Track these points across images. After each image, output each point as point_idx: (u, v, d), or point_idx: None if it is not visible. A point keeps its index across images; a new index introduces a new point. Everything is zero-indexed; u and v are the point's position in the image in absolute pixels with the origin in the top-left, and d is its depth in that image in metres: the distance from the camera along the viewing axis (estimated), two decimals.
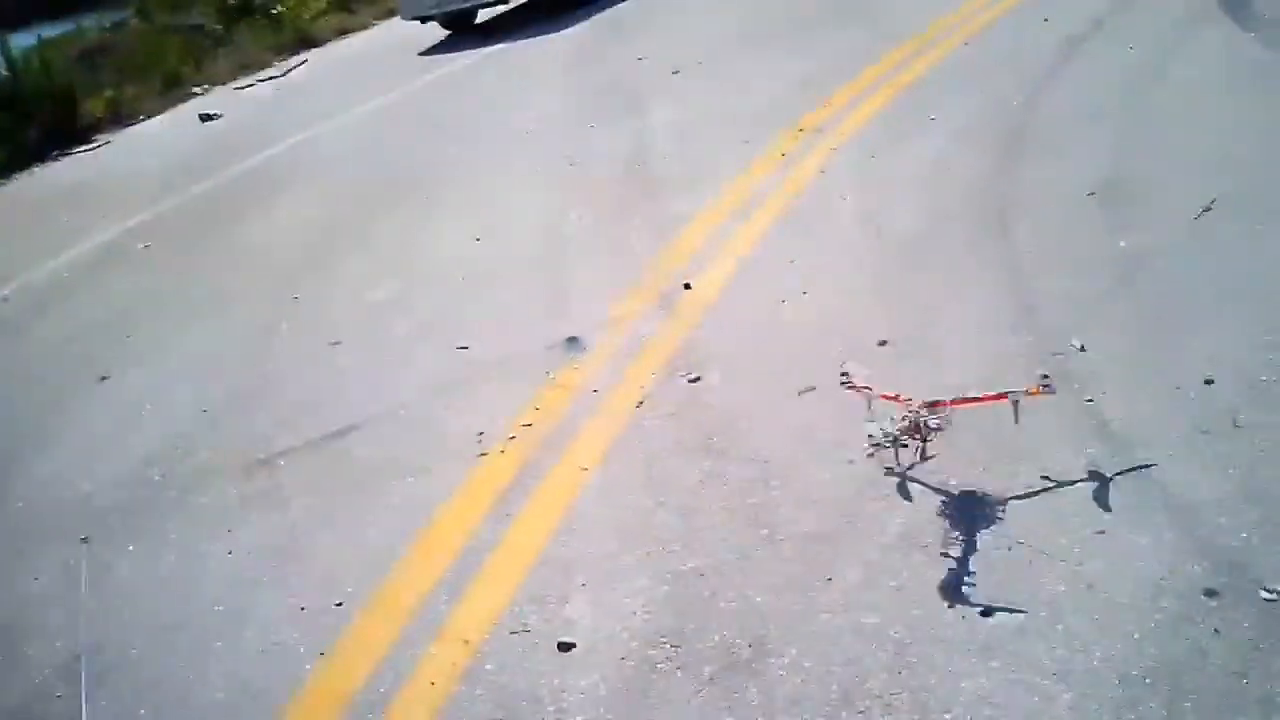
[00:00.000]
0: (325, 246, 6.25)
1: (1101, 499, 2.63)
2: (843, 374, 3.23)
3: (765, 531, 2.85)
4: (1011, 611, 2.38)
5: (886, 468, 2.95)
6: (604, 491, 3.25)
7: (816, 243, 4.57)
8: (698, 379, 3.73)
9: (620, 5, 11.40)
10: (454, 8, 11.98)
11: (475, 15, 12.70)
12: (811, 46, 7.67)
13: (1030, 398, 2.85)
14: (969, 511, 2.71)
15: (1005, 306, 3.67)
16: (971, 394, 2.97)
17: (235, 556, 3.46)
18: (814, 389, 3.46)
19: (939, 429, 2.93)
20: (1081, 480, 2.72)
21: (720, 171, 5.67)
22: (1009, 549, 2.56)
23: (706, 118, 6.71)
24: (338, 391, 4.41)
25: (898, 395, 3.03)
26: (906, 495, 2.84)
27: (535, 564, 2.97)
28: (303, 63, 14.10)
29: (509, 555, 3.05)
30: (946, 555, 2.59)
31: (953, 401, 2.96)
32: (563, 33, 10.73)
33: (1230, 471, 2.61)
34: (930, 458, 2.95)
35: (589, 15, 11.21)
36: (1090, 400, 3.03)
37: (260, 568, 3.36)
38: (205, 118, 11.54)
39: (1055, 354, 3.31)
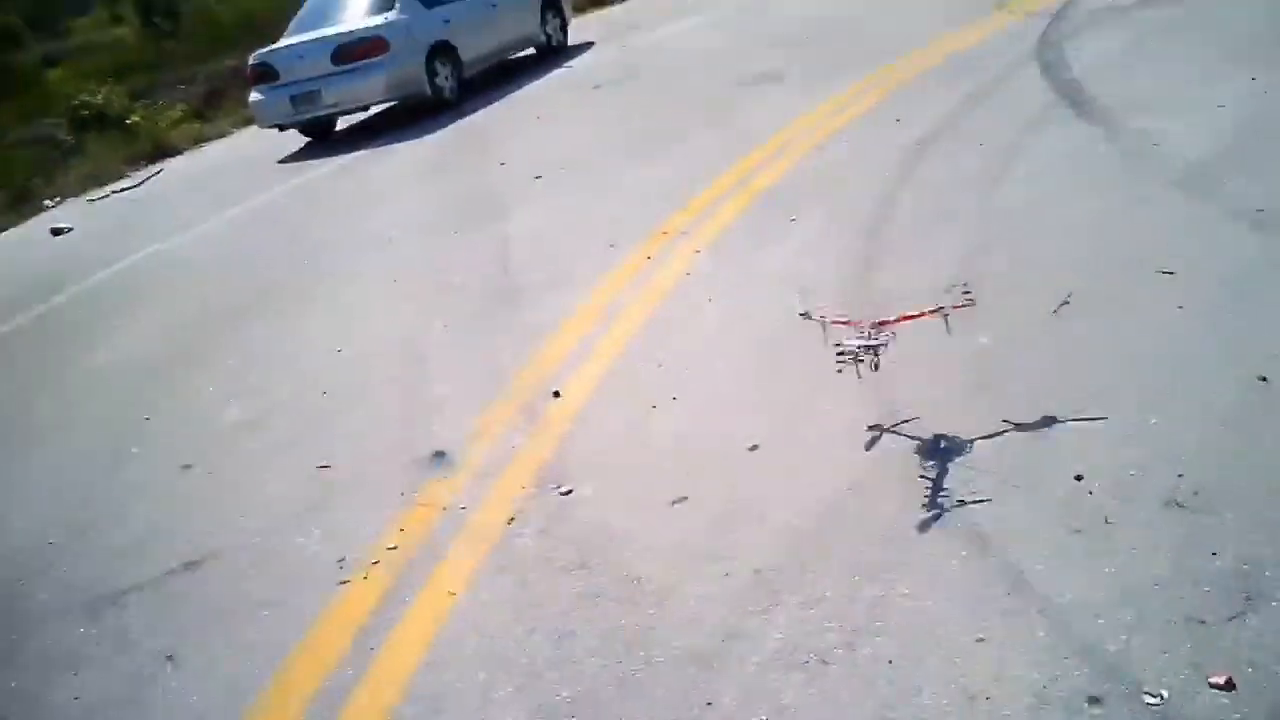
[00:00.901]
0: (179, 363, 6.02)
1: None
2: (802, 312, 3.83)
3: (642, 654, 2.74)
4: None
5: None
6: (473, 618, 3.11)
7: (684, 346, 4.54)
8: (569, 492, 3.63)
9: (482, 111, 11.45)
10: (312, 115, 11.89)
11: (335, 122, 12.64)
12: (671, 152, 7.75)
13: (956, 310, 3.57)
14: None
15: (869, 408, 3.65)
16: (910, 313, 3.67)
17: (82, 703, 3.21)
18: (686, 499, 3.39)
19: (886, 344, 3.56)
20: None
21: (586, 277, 5.63)
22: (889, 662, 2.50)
23: (570, 223, 6.70)
24: (189, 519, 4.20)
25: (849, 319, 3.76)
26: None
27: (400, 703, 2.81)
28: (158, 172, 13.83)
29: (372, 693, 2.88)
30: (825, 664, 2.52)
31: (896, 320, 3.65)
32: (424, 139, 10.72)
33: (1104, 571, 2.60)
34: (879, 369, 3.56)
35: (451, 121, 11.23)
36: (961, 502, 3.01)
37: (105, 718, 3.12)
38: (56, 231, 11.21)
39: (921, 448, 3.30)
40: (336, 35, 11.69)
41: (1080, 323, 3.88)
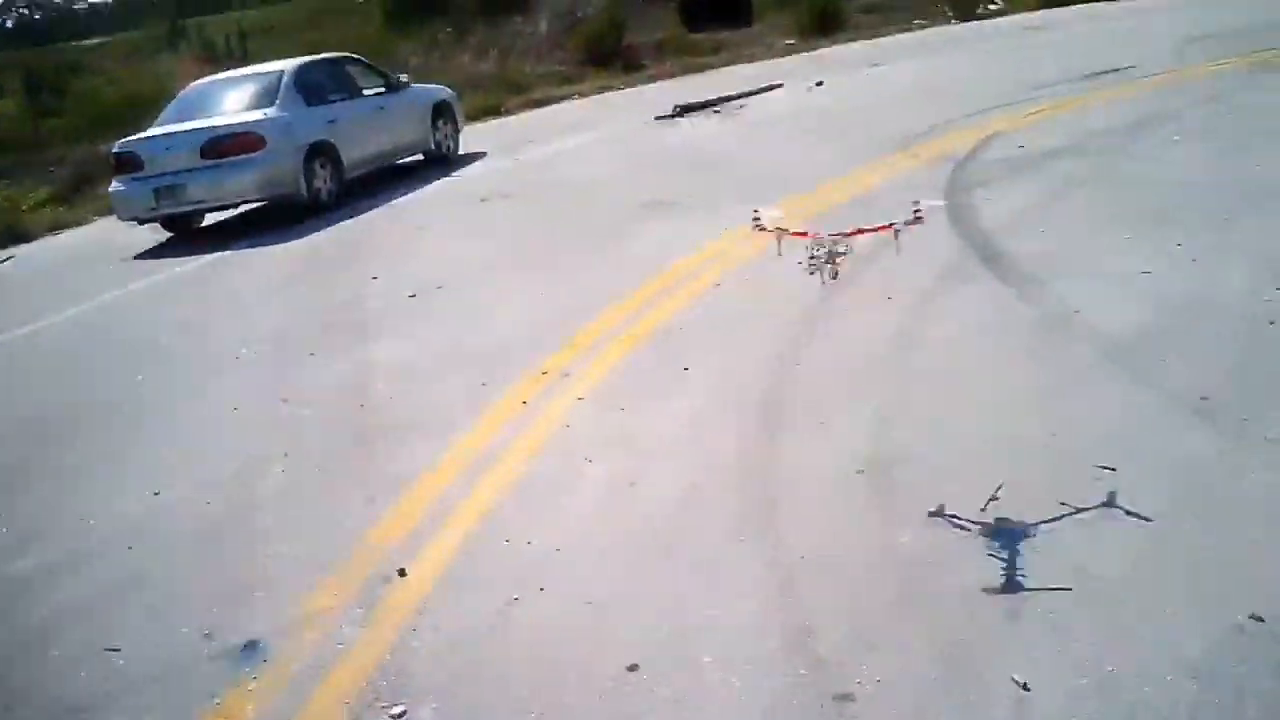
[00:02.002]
0: None
1: None
2: (754, 217, 4.21)
3: None
4: None
5: None
6: None
7: (557, 520, 3.89)
8: (402, 714, 2.94)
9: (360, 218, 10.82)
10: (175, 210, 11.12)
11: (200, 218, 11.87)
12: (557, 277, 7.21)
13: (909, 226, 3.93)
14: None
15: (774, 622, 3.06)
16: (868, 227, 4.08)
17: None
18: None
19: (845, 253, 4.05)
20: None
21: (452, 419, 4.99)
22: None
23: (442, 352, 6.04)
24: None
25: (806, 231, 4.13)
26: None
27: None
28: (6, 260, 12.83)
29: None
30: None
31: (851, 232, 4.08)
32: (294, 243, 10.02)
33: None
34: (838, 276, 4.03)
35: (325, 226, 10.57)
36: None
37: None
38: None
39: (839, 695, 2.70)
40: (208, 128, 10.98)
41: (1012, 523, 3.35)
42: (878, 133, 10.58)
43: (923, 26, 26.54)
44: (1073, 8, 23.76)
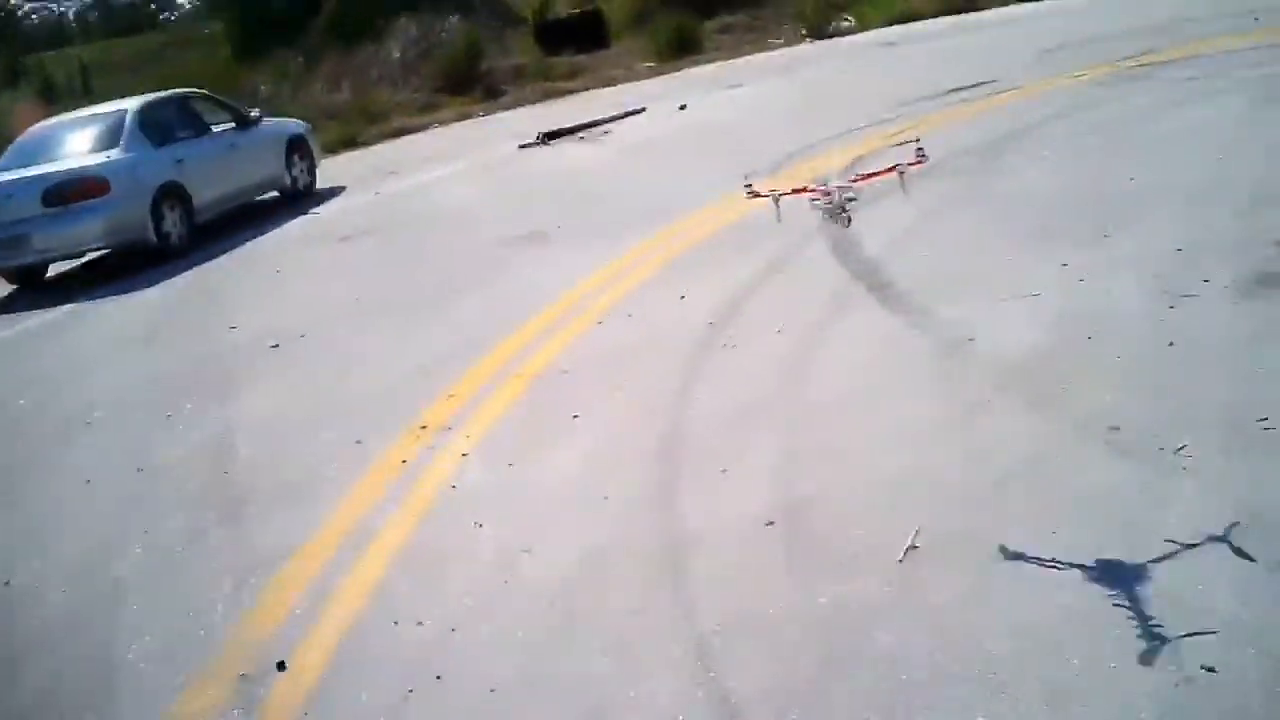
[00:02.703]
0: None
1: None
2: (746, 185, 4.21)
3: None
4: None
5: None
6: None
7: (450, 595, 3.60)
8: None
9: (215, 262, 10.35)
10: (17, 262, 10.49)
11: (47, 268, 11.20)
12: (429, 320, 6.89)
13: (911, 168, 3.99)
14: None
15: (695, 701, 2.82)
16: (872, 172, 4.15)
17: None
18: None
19: (854, 199, 4.08)
20: None
21: (327, 484, 4.66)
22: None
23: (310, 408, 5.69)
24: None
25: (805, 186, 4.13)
26: None
27: None
28: None
29: None
30: None
31: (857, 178, 4.12)
32: (146, 292, 9.51)
33: None
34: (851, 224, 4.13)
35: (178, 272, 10.08)
36: None
37: None
38: None
39: None
40: (50, 174, 10.37)
41: (935, 574, 3.18)
42: (747, 156, 10.45)
43: (778, 46, 26.80)
44: (925, 23, 24.26)
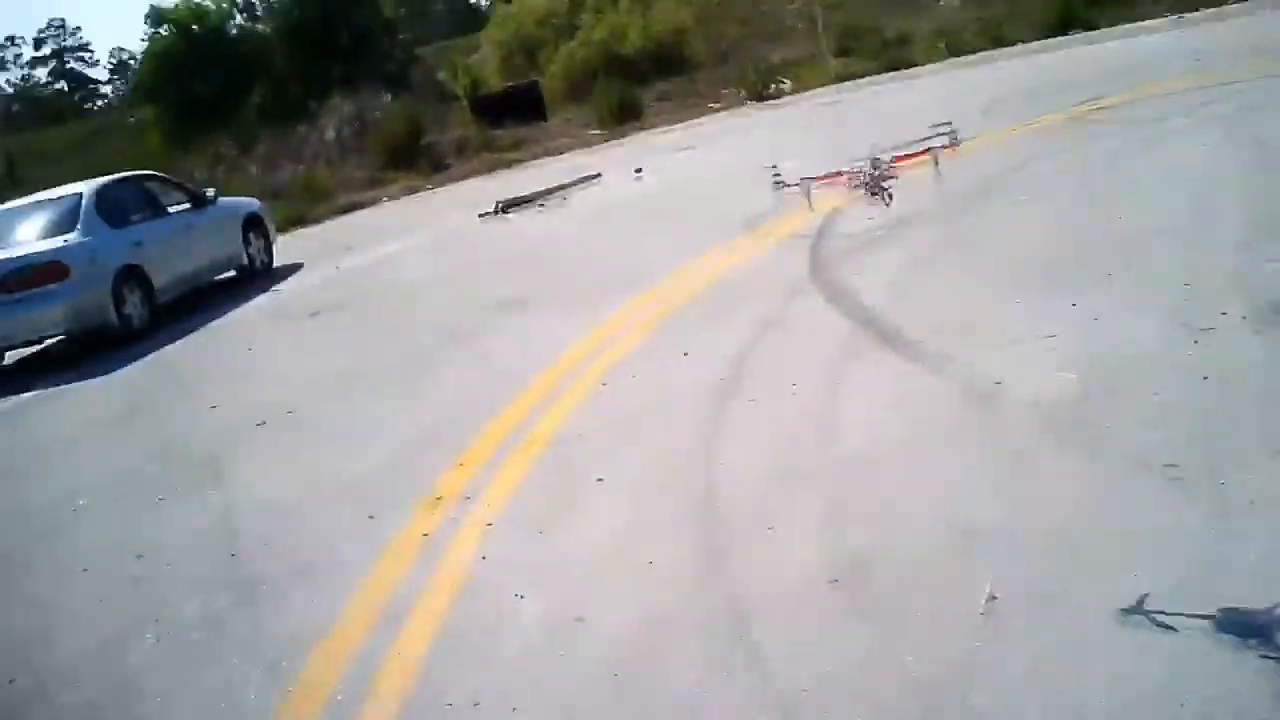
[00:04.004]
0: None
1: None
2: (775, 176, 4.18)
3: None
4: None
5: None
6: None
7: (503, 671, 3.42)
8: None
9: (180, 343, 10.13)
10: None
11: (2, 356, 10.87)
12: (423, 390, 6.74)
13: (946, 151, 3.94)
14: None
15: None
16: (908, 154, 4.38)
17: None
18: None
19: (894, 177, 4.16)
20: None
21: (346, 562, 4.45)
22: None
23: (311, 483, 5.48)
24: None
25: (839, 172, 4.04)
26: None
27: None
28: None
29: None
30: None
31: (893, 160, 4.18)
32: (112, 376, 9.24)
33: None
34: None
35: (143, 355, 9.84)
36: None
37: None
38: None
39: None
40: (6, 259, 10.09)
41: (1021, 627, 3.06)
42: (718, 216, 10.48)
43: (719, 110, 27.11)
44: (860, 81, 24.69)
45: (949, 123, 3.74)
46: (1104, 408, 4.33)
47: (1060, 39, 23.83)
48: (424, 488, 5.01)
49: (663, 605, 3.61)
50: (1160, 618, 2.91)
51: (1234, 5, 22.30)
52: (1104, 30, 23.48)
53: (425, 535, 4.53)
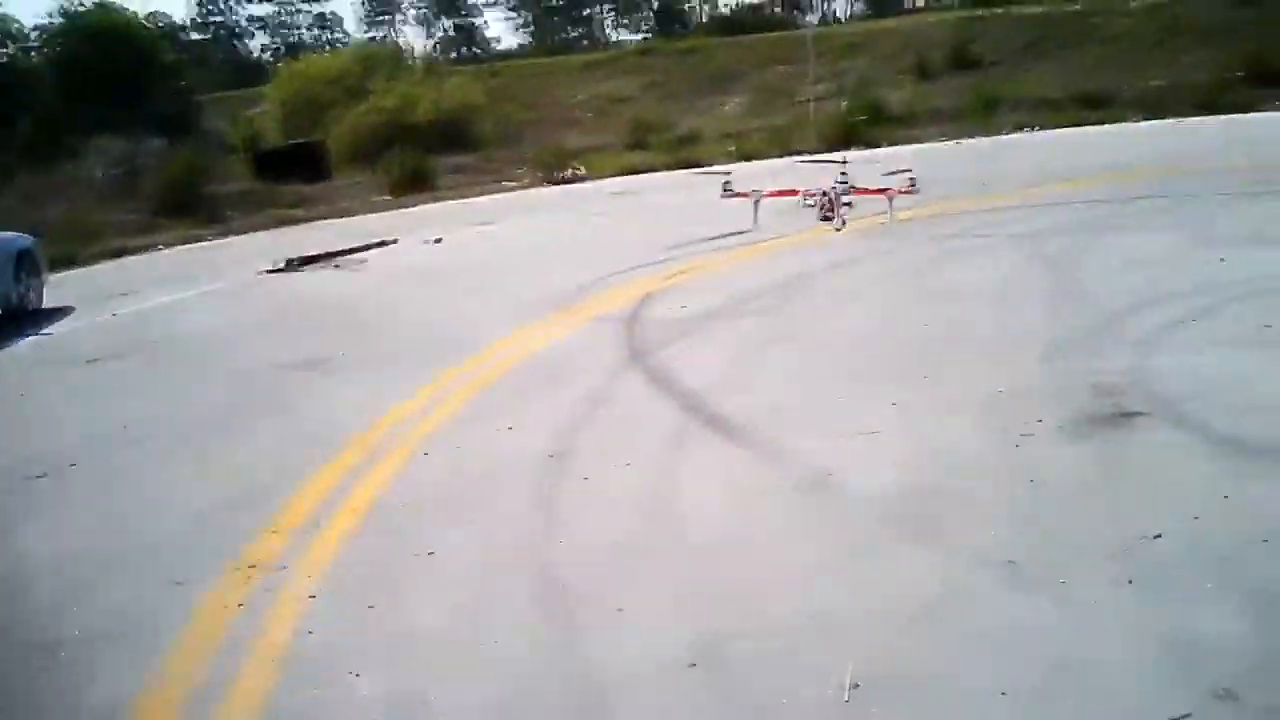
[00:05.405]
0: None
1: None
2: (725, 185, 4.87)
3: None
4: None
5: None
6: None
7: None
8: None
9: None
10: None
11: None
12: (227, 449, 6.33)
13: (902, 194, 4.61)
14: None
15: None
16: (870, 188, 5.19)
17: None
18: None
19: (849, 205, 4.60)
20: None
21: (151, 631, 4.06)
22: None
23: (105, 546, 4.98)
24: None
25: (794, 189, 4.81)
26: None
27: None
28: None
29: None
30: None
31: (857, 190, 5.00)
32: None
33: None
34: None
35: None
36: None
37: None
38: None
39: None
40: None
41: (886, 714, 3.06)
42: (525, 291, 10.43)
43: (514, 188, 27.16)
44: (650, 175, 25.23)
45: (909, 170, 3.92)
46: (937, 504, 4.44)
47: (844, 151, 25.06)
48: (233, 554, 4.67)
49: (514, 687, 3.45)
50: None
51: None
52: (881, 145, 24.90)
53: (240, 605, 4.21)
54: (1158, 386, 5.55)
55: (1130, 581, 3.63)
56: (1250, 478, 4.41)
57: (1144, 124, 23.61)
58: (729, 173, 3.80)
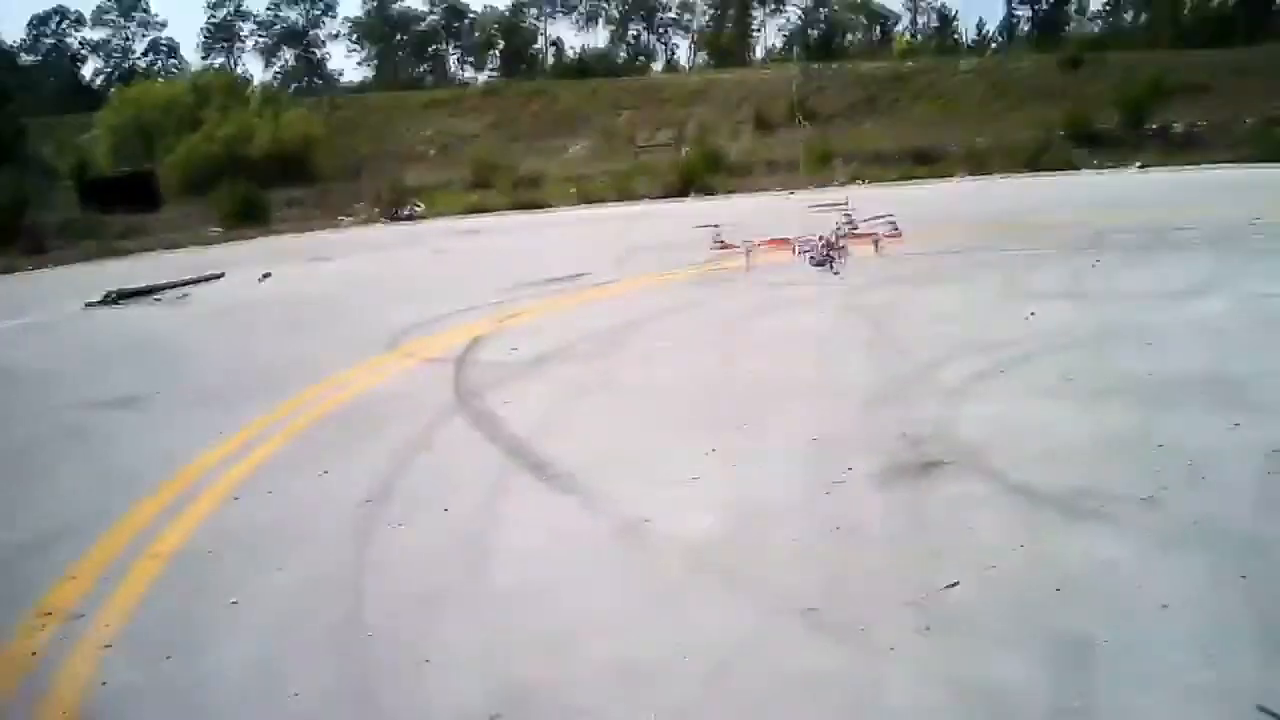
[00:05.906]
0: None
1: None
2: (716, 237, 5.29)
3: None
4: None
5: None
6: None
7: None
8: None
9: None
10: None
11: None
12: (16, 493, 6.07)
13: (887, 239, 4.19)
14: None
15: None
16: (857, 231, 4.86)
17: None
18: None
19: (843, 249, 4.29)
20: None
21: None
22: None
23: None
24: None
25: (784, 239, 4.89)
26: None
27: None
28: None
29: None
30: None
31: (843, 236, 4.82)
32: None
33: None
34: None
35: None
36: None
37: None
38: None
39: None
40: None
41: None
42: (355, 330, 10.30)
43: (350, 225, 26.81)
44: (501, 215, 25.24)
45: (891, 215, 4.06)
46: (747, 551, 4.54)
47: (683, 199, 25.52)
48: (25, 601, 4.49)
49: None
50: None
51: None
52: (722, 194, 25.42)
53: (34, 655, 4.04)
54: (963, 435, 5.78)
55: (928, 628, 3.78)
56: (1044, 527, 4.62)
57: (968, 181, 24.65)
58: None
